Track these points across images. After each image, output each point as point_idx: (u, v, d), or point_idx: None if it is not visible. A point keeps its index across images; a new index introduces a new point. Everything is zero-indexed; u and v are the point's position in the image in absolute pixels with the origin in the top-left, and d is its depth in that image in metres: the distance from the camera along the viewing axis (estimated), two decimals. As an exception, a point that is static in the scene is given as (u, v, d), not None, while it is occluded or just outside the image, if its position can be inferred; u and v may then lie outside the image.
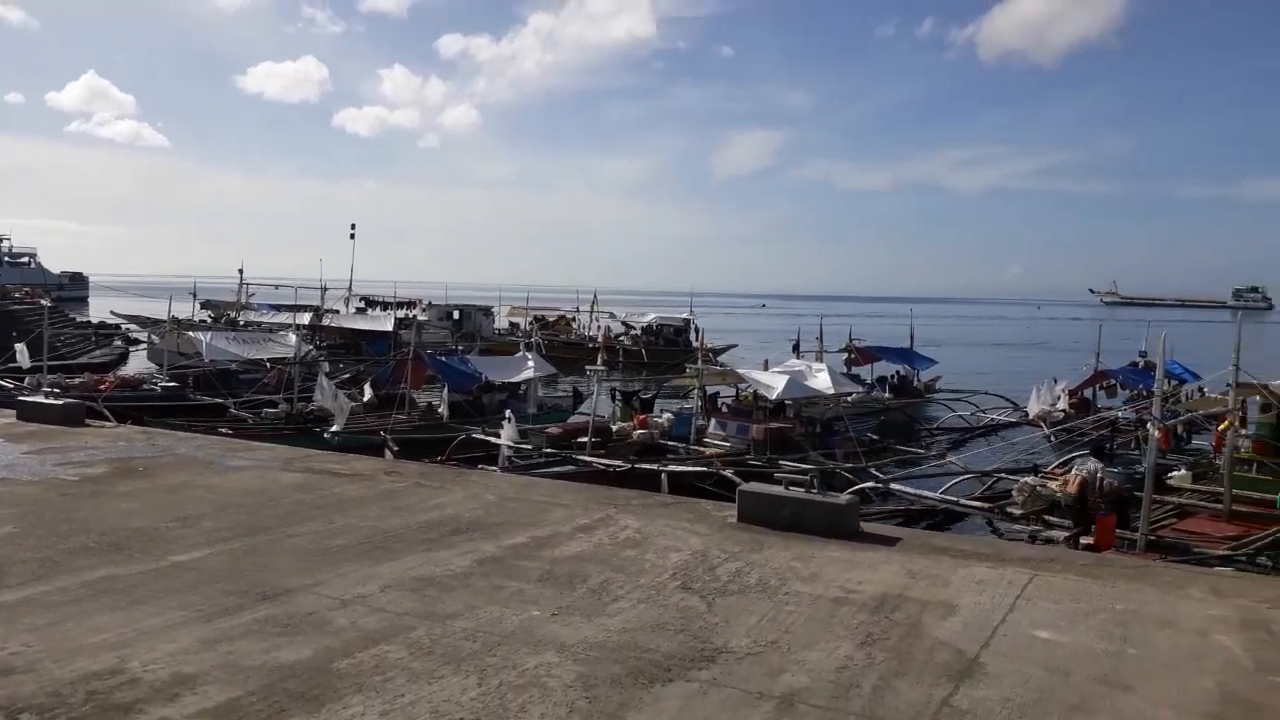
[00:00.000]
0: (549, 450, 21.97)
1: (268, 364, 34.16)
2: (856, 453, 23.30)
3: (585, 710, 5.17)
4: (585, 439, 22.11)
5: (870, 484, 19.12)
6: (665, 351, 57.74)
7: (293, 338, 37.26)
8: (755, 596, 7.23)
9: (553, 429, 24.36)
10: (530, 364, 29.41)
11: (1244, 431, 20.15)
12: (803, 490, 9.65)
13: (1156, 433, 16.15)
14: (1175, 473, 19.94)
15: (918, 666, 5.95)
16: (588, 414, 24.14)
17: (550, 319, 69.58)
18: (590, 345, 48.94)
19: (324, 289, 64.04)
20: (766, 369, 27.83)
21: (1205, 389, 28.77)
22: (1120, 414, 30.08)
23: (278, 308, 64.69)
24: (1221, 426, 19.52)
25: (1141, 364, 37.01)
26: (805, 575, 7.82)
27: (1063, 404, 33.94)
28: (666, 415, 26.49)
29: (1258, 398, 19.95)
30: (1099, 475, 18.07)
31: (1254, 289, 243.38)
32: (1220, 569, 12.23)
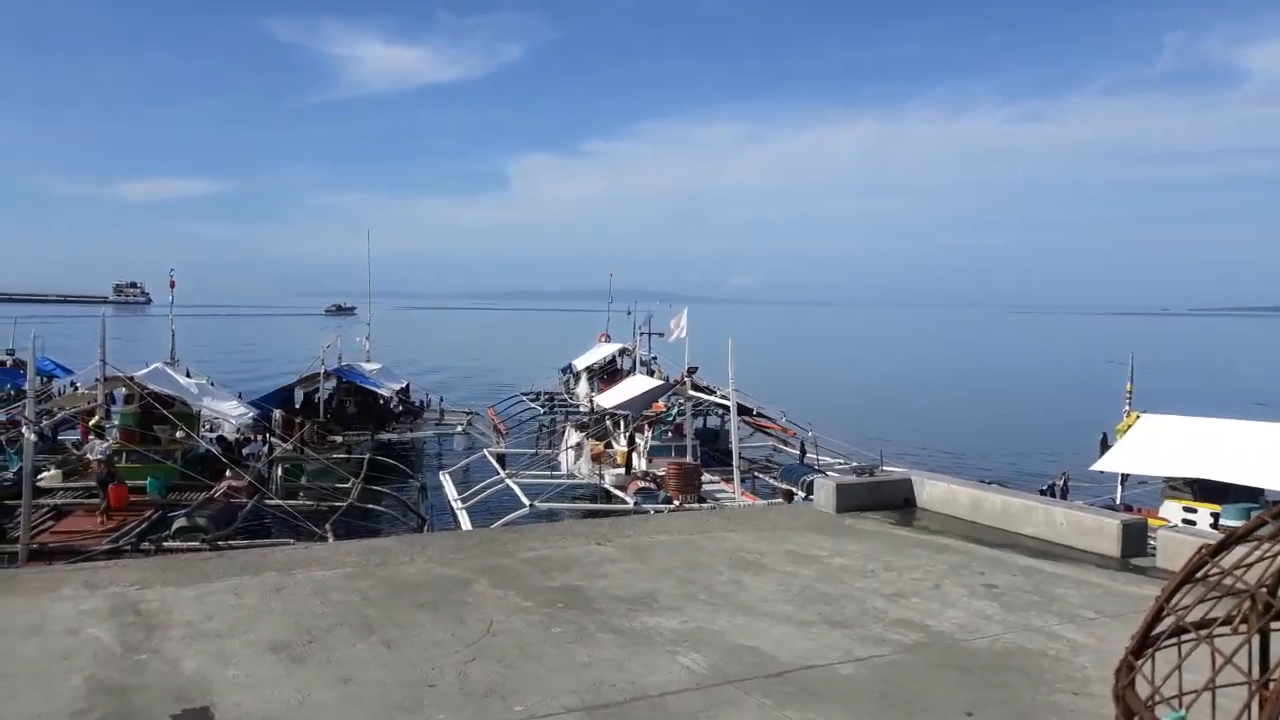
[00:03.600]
0: None
1: None
2: None
3: None
4: None
5: None
6: None
7: None
8: None
9: None
10: None
11: (113, 423, 20.73)
12: None
13: (31, 435, 15.54)
14: (45, 473, 19.44)
15: None
16: None
17: None
18: None
19: None
20: None
21: (78, 384, 28.68)
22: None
23: None
24: (92, 421, 19.76)
25: (10, 362, 35.44)
26: None
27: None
28: None
29: (124, 389, 20.81)
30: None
31: (134, 284, 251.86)
32: (107, 562, 12.37)
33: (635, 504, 21.51)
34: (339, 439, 28.10)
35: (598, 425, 29.52)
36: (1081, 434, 29.25)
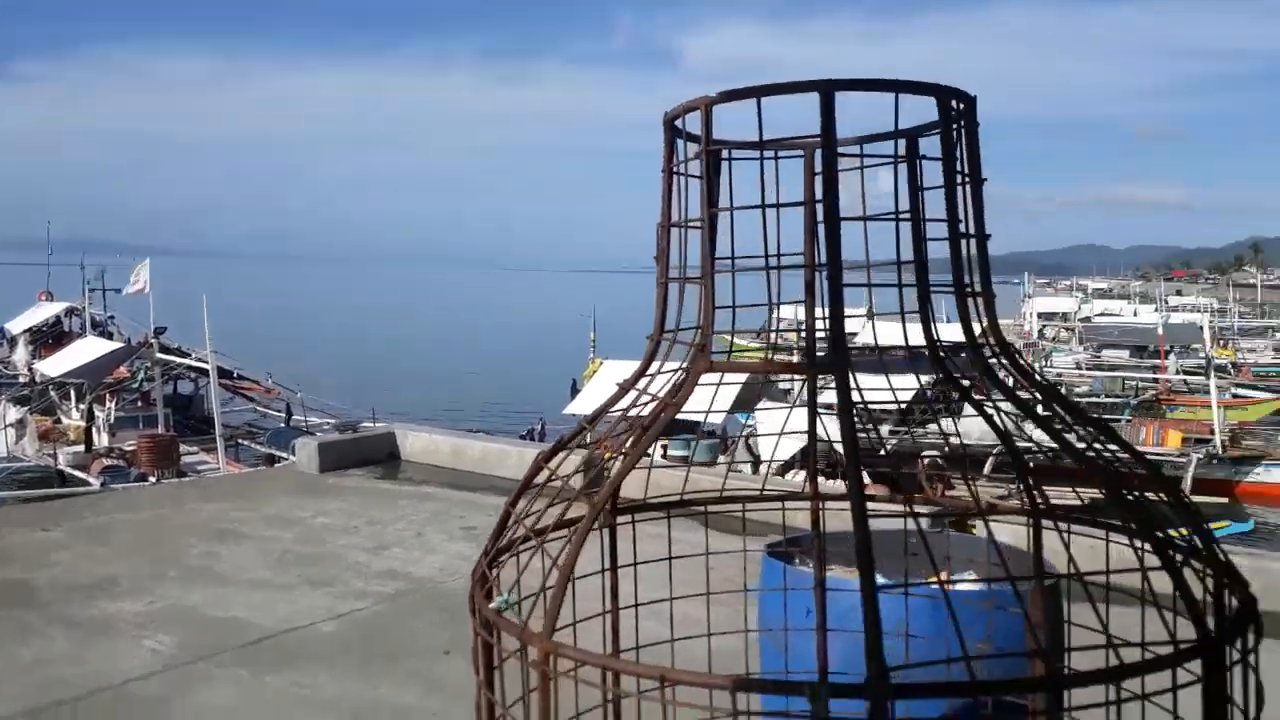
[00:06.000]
0: None
1: None
2: None
3: None
4: None
5: None
6: None
7: None
8: None
9: None
10: None
11: None
12: None
13: None
14: None
15: None
16: None
17: None
18: None
19: None
20: None
21: None
22: None
23: None
24: None
25: None
26: None
27: None
28: None
29: None
30: None
31: None
32: None
33: (103, 484, 19.40)
34: None
35: (42, 398, 25.97)
36: (558, 381, 31.79)
